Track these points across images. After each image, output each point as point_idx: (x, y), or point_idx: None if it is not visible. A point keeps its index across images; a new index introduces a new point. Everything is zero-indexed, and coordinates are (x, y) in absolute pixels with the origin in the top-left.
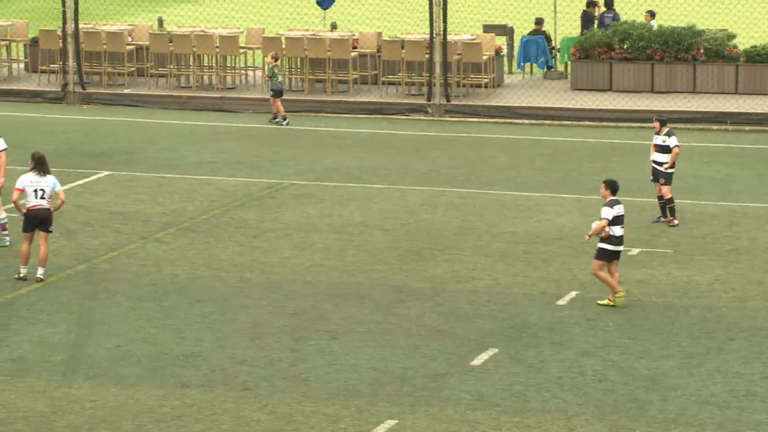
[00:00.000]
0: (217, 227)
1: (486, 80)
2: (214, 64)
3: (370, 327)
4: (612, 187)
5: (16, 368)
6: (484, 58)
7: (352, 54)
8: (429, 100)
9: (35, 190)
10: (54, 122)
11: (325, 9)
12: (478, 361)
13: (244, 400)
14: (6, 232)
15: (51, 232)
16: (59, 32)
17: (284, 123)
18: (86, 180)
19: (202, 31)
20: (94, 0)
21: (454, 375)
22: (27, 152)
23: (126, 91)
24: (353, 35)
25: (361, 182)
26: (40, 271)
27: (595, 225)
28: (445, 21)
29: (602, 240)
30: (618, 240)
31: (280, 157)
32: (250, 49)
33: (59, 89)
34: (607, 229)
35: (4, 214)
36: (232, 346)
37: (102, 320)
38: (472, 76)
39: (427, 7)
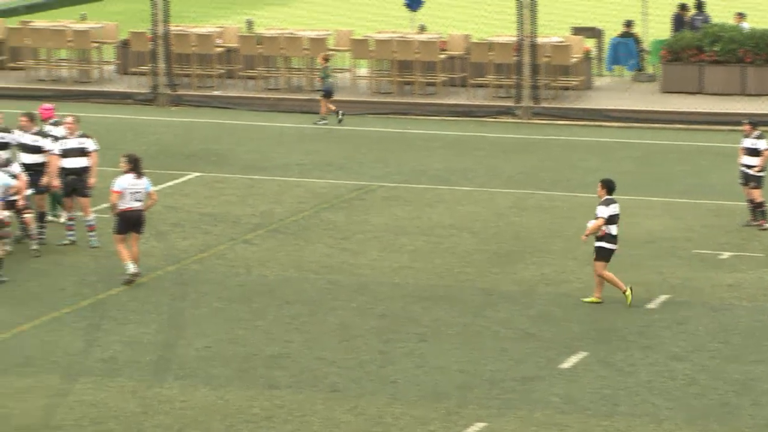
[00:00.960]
0: (306, 229)
1: (575, 83)
2: (302, 66)
3: (459, 329)
4: (608, 186)
5: (107, 368)
6: (573, 60)
7: (441, 56)
8: (517, 102)
9: (132, 192)
10: (144, 124)
11: (413, 11)
12: (567, 364)
13: (333, 402)
14: (94, 233)
15: (142, 233)
16: (149, 34)
17: (321, 123)
18: (176, 181)
19: (291, 33)
20: (184, 2)
21: (543, 378)
22: (117, 154)
23: (215, 93)
24: (441, 37)
25: (449, 184)
26: (132, 269)
27: (591, 224)
28: (534, 23)
29: (600, 239)
30: (614, 239)
31: (369, 159)
32: (338, 51)
33: (149, 91)
34: (603, 228)
35: (92, 216)
36: (321, 347)
37: (192, 321)
38: (560, 78)
39: (515, 10)
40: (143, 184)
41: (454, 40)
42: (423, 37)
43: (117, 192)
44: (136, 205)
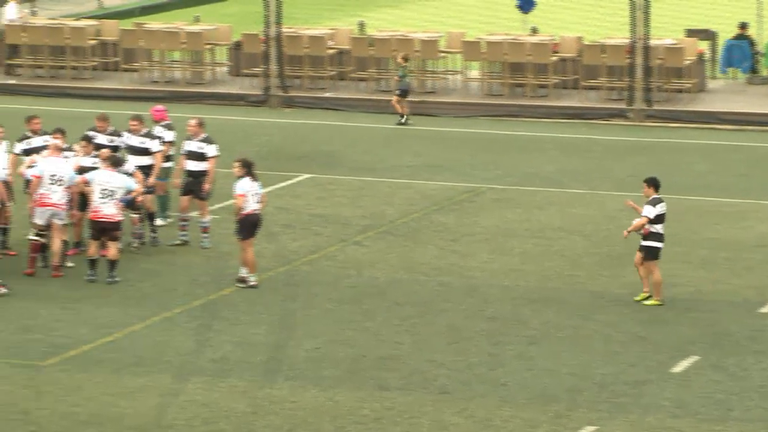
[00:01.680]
0: (417, 231)
1: (688, 85)
2: (414, 68)
3: (569, 332)
4: (655, 185)
5: (218, 368)
6: (686, 62)
7: (552, 58)
8: (630, 104)
9: (252, 195)
10: (256, 125)
11: (525, 13)
12: (678, 368)
13: (442, 404)
14: (207, 235)
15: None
16: (262, 36)
17: (402, 120)
18: (287, 183)
19: (403, 35)
20: (296, 4)
21: (654, 382)
22: (229, 155)
23: (327, 94)
24: (553, 39)
25: (560, 187)
26: (243, 271)
27: (636, 222)
28: (647, 25)
29: (646, 238)
30: (662, 237)
31: (480, 162)
32: (450, 53)
33: (261, 92)
34: (647, 226)
35: (209, 218)
36: (431, 349)
37: (302, 322)
38: (673, 80)
39: (628, 11)
40: (258, 186)
41: (566, 42)
42: (535, 39)
43: (242, 195)
44: (257, 207)
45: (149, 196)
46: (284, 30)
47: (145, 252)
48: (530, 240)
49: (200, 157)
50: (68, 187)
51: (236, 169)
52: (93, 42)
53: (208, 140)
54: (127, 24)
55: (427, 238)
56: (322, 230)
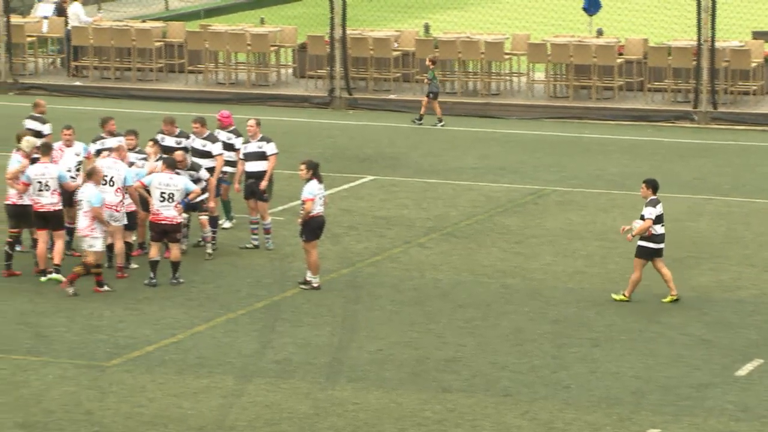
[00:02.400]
0: (480, 233)
1: (754, 87)
2: (479, 70)
3: (633, 335)
4: (653, 185)
5: (281, 370)
6: (753, 65)
7: (618, 60)
8: (695, 107)
9: (319, 198)
10: (320, 127)
11: (591, 15)
12: (743, 371)
13: (504, 406)
14: (270, 236)
15: None
16: (327, 38)
17: (440, 125)
18: (351, 184)
19: (468, 37)
20: (361, 6)
21: (718, 385)
22: (294, 157)
23: (391, 96)
24: (619, 42)
25: (624, 189)
26: (307, 274)
27: (639, 225)
28: (713, 27)
29: (643, 238)
30: (660, 238)
31: (544, 164)
32: (515, 55)
33: (326, 94)
34: (650, 228)
35: (270, 219)
36: (494, 351)
37: (365, 324)
38: (739, 83)
39: (694, 14)
40: (323, 189)
41: (631, 44)
42: (600, 41)
43: (311, 199)
44: (322, 210)
45: (215, 200)
46: (349, 32)
47: (207, 255)
48: (594, 242)
49: (261, 156)
50: (121, 189)
51: (303, 172)
52: (159, 44)
53: (266, 139)
54: (193, 26)
55: (490, 240)
56: (386, 232)
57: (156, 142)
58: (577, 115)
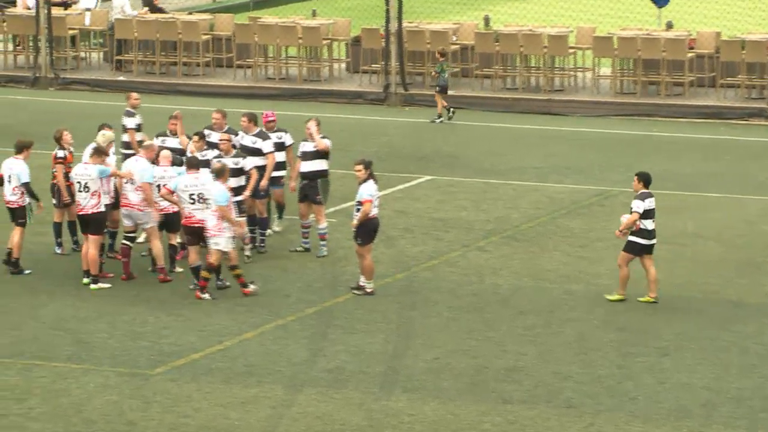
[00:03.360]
0: (542, 236)
1: None
2: (541, 65)
3: (704, 344)
4: (644, 179)
5: (332, 379)
6: None
7: (689, 55)
8: None
9: (376, 199)
10: (374, 124)
11: (660, 7)
12: None
13: (567, 418)
14: (324, 243)
15: None
16: (382, 31)
17: (442, 119)
18: (407, 185)
19: (530, 30)
20: None
21: None
22: (348, 156)
23: (450, 92)
24: (690, 35)
25: (695, 190)
26: (361, 278)
27: (626, 219)
28: None
29: (633, 233)
30: (650, 234)
31: (611, 163)
32: (579, 49)
33: (381, 90)
34: (638, 222)
35: (325, 224)
36: (557, 360)
37: (421, 331)
38: None
39: None
40: (378, 190)
41: (703, 38)
42: (670, 34)
43: (370, 201)
44: (377, 211)
45: (262, 200)
46: (405, 25)
47: (256, 257)
48: (662, 246)
49: (319, 155)
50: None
51: (360, 173)
52: (206, 37)
53: (327, 138)
54: (242, 18)
55: (553, 243)
56: (443, 235)
57: (202, 137)
58: (645, 113)
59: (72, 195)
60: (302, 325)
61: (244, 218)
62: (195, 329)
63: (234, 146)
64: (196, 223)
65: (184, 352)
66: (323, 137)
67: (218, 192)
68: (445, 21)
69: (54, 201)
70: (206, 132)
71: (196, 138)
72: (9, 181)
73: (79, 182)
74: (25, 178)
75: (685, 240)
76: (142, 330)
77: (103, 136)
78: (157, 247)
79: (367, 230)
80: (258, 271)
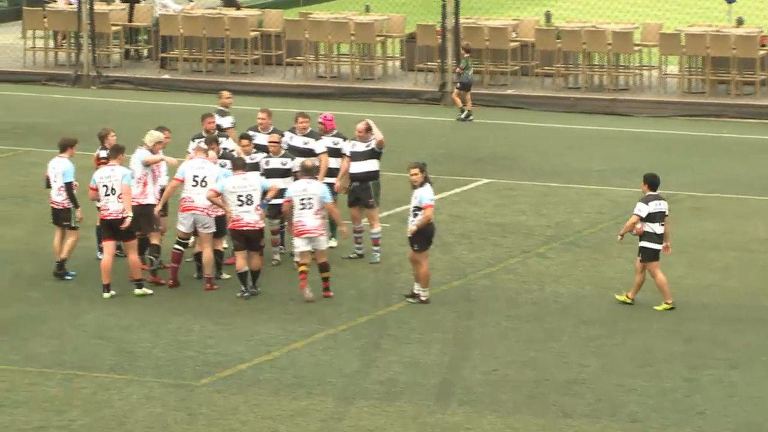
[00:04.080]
0: (606, 242)
1: None
2: (605, 63)
3: None
4: (650, 181)
5: (385, 391)
6: None
7: (760, 52)
8: None
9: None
10: (430, 125)
11: (730, 3)
12: None
13: None
14: (378, 248)
15: None
16: (438, 27)
17: (462, 116)
18: (464, 188)
19: (594, 26)
20: None
21: None
22: (401, 158)
23: (508, 91)
24: (762, 32)
25: (767, 195)
26: (416, 286)
27: (628, 222)
28: None
29: (642, 238)
30: (659, 238)
31: (677, 166)
32: (645, 46)
33: (437, 89)
34: (638, 225)
35: (379, 228)
36: (620, 373)
37: (478, 341)
38: None
39: None
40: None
41: None
42: (740, 31)
43: (431, 205)
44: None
45: None
46: (463, 21)
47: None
48: (732, 253)
49: (370, 156)
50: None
51: (416, 176)
52: (254, 33)
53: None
54: (292, 14)
55: (617, 250)
56: (502, 241)
57: (249, 139)
58: (714, 113)
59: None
60: (354, 335)
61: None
62: (242, 338)
63: (282, 147)
64: (245, 226)
65: (231, 362)
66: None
67: (322, 190)
68: (504, 17)
69: (97, 204)
70: (251, 133)
71: (245, 142)
72: (54, 181)
73: (105, 185)
74: (68, 178)
75: (756, 246)
76: (187, 339)
77: (151, 136)
78: (208, 254)
79: (424, 236)
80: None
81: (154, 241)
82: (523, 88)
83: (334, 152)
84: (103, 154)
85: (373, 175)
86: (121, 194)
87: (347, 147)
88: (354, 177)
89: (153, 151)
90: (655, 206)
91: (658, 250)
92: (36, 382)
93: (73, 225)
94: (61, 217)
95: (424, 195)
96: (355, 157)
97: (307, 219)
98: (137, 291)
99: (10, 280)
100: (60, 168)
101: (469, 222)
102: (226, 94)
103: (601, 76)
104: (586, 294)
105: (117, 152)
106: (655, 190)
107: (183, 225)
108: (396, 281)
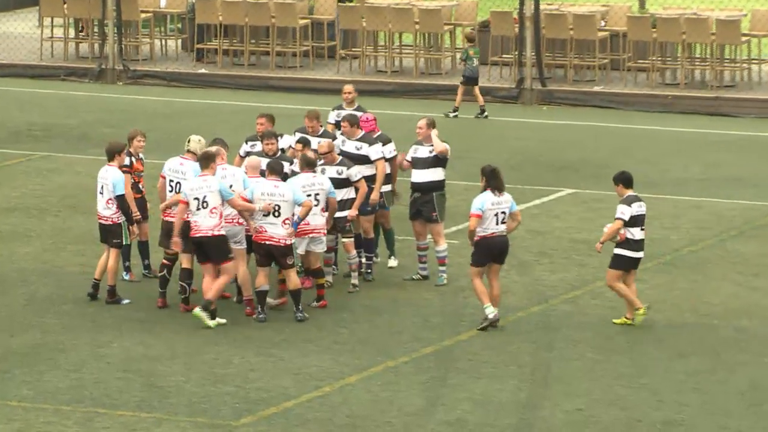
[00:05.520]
0: (708, 262)
1: None
2: (708, 56)
3: None
4: (623, 180)
5: None
6: None
7: None
8: None
9: (496, 214)
10: (506, 126)
11: None
12: None
13: None
14: (444, 268)
15: (503, 264)
16: (516, 15)
17: (452, 115)
18: (544, 199)
19: (695, 13)
20: None
21: None
22: (473, 164)
23: (596, 88)
24: None
25: None
26: (488, 311)
27: (608, 228)
28: None
29: (618, 245)
30: (638, 245)
31: None
32: (754, 36)
33: (513, 86)
34: (622, 231)
35: (445, 246)
36: (725, 413)
37: (560, 376)
38: None
39: None
40: (507, 201)
41: None
42: None
43: (477, 215)
44: (501, 229)
45: (367, 218)
46: (544, 7)
47: (363, 286)
48: None
49: (432, 163)
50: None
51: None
52: (304, 22)
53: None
54: None
55: (720, 271)
56: (587, 260)
57: (306, 144)
58: None
59: (144, 209)
60: (417, 368)
61: (352, 240)
62: (288, 372)
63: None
64: (268, 240)
65: (275, 399)
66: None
67: (329, 184)
68: (592, 2)
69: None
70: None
71: (299, 146)
72: (101, 193)
73: (197, 198)
74: (120, 190)
75: None
76: (224, 372)
77: (199, 143)
78: (244, 272)
79: (479, 249)
80: (363, 303)
81: (185, 265)
82: (613, 85)
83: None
84: (127, 161)
85: (437, 186)
86: (213, 208)
87: (389, 154)
88: (415, 187)
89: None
90: (637, 208)
91: (637, 259)
92: (52, 421)
93: (124, 243)
94: (110, 234)
95: (473, 202)
96: (417, 163)
97: (313, 217)
98: (212, 322)
99: (23, 305)
100: (110, 178)
101: (551, 238)
102: (348, 88)
103: (702, 71)
104: (686, 322)
105: (208, 161)
106: (632, 189)
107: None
108: (465, 306)
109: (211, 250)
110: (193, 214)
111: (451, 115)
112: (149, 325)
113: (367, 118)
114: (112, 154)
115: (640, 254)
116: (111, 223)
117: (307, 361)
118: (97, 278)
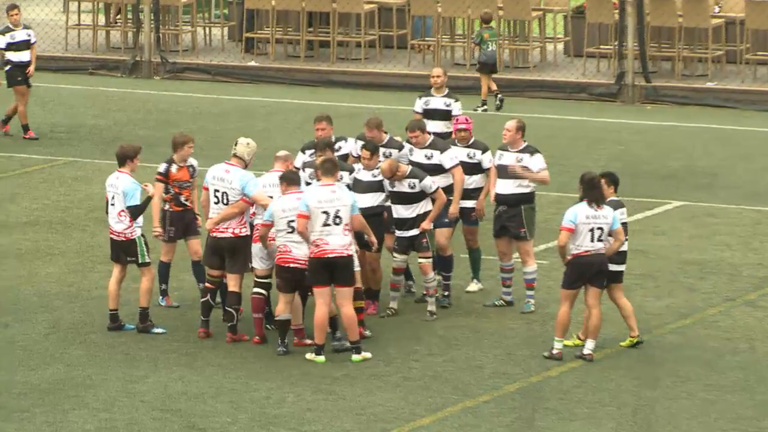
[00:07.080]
0: None
1: None
2: None
3: None
4: (615, 181)
5: None
6: None
7: None
8: None
9: (591, 230)
10: (605, 128)
11: None
12: None
13: None
14: (532, 293)
15: (603, 288)
16: (616, 0)
17: (498, 103)
18: (648, 213)
19: None
20: None
21: None
22: (566, 172)
23: (709, 84)
24: None
25: None
26: (589, 345)
27: (612, 242)
28: None
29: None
30: (620, 256)
31: None
32: None
33: (613, 82)
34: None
35: (534, 267)
36: None
37: (666, 418)
38: None
39: None
40: (607, 217)
41: None
42: None
43: (569, 229)
44: (596, 247)
45: (444, 233)
46: None
47: (439, 313)
48: None
49: (516, 173)
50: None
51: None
52: (369, 7)
53: (529, 150)
54: None
55: None
56: (699, 284)
57: (375, 150)
58: None
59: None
60: (500, 408)
61: (429, 261)
62: (351, 412)
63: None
64: (292, 261)
65: None
66: (526, 147)
67: (352, 198)
68: None
69: (161, 233)
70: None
71: (366, 153)
72: (113, 204)
73: (326, 212)
74: (132, 200)
75: None
76: (277, 413)
77: (248, 146)
78: (296, 298)
79: (571, 269)
80: (439, 333)
81: (233, 288)
82: (729, 81)
83: (471, 167)
84: (162, 168)
85: (526, 198)
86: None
87: (487, 164)
88: (500, 199)
89: (247, 165)
90: (620, 215)
91: (620, 272)
92: None
93: (141, 261)
94: (123, 251)
95: (564, 215)
96: (502, 172)
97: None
98: (355, 357)
99: (45, 334)
100: (121, 186)
101: (656, 258)
102: (437, 71)
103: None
104: None
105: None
106: (617, 193)
107: (261, 259)
108: (554, 337)
109: (341, 271)
110: (318, 232)
111: (480, 109)
112: (189, 359)
113: (459, 121)
114: (123, 159)
115: (622, 267)
116: (124, 239)
117: (373, 400)
118: (113, 308)
